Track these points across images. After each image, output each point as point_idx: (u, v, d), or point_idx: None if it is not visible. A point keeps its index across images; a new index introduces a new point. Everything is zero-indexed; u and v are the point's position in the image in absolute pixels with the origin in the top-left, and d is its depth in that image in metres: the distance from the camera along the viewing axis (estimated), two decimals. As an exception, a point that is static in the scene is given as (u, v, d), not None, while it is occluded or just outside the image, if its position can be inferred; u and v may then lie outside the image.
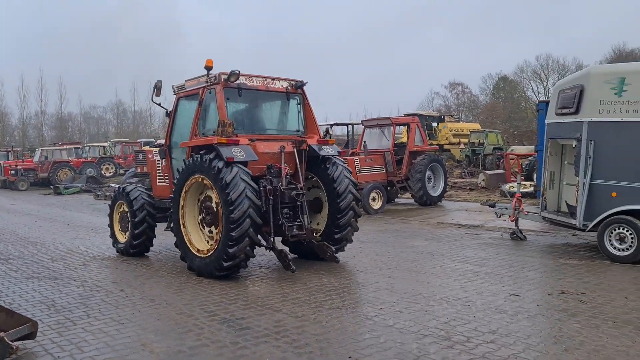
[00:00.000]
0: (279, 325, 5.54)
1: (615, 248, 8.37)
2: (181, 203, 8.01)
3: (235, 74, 7.83)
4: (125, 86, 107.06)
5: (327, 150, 8.56)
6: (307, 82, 8.79)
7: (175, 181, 8.24)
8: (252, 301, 6.46)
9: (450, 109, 66.17)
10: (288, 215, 8.06)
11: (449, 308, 6.06)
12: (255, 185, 7.42)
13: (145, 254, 9.66)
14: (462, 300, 6.36)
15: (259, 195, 7.50)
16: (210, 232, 7.82)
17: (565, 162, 10.12)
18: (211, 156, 7.46)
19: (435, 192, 16.89)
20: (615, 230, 8.34)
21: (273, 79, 8.51)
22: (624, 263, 8.17)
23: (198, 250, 7.76)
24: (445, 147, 33.51)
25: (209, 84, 8.05)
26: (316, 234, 8.48)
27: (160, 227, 9.49)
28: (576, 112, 8.88)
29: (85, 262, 9.16)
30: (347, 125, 25.70)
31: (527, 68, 63.06)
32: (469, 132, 34.57)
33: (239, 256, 7.30)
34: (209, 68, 7.97)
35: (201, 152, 7.76)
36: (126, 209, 9.52)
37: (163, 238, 10.42)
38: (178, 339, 5.20)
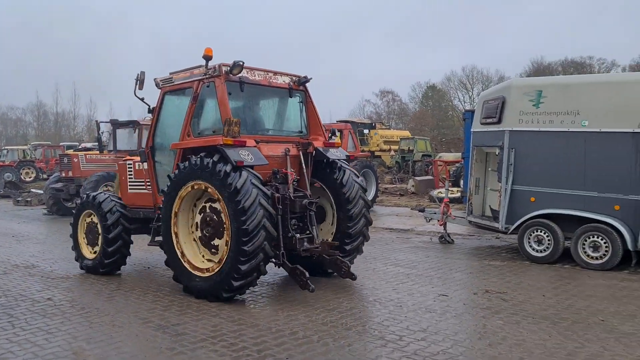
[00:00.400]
0: (216, 329, 5.54)
1: (533, 249, 8.93)
2: (173, 214, 6.97)
3: (238, 66, 6.92)
4: (46, 87, 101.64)
5: (336, 154, 7.75)
6: (311, 78, 7.95)
7: (164, 189, 7.16)
8: (187, 307, 6.40)
9: (381, 116, 67.70)
10: (296, 226, 7.19)
11: (382, 309, 6.28)
12: (267, 192, 6.55)
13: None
14: (394, 301, 6.60)
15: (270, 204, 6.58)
16: (213, 247, 6.85)
17: (489, 169, 10.68)
18: (215, 159, 6.52)
19: (367, 198, 17.22)
20: (533, 232, 8.91)
21: (275, 73, 7.68)
22: (541, 263, 8.73)
23: (195, 268, 6.79)
24: (377, 153, 34.33)
25: (207, 76, 7.09)
26: (330, 247, 7.40)
27: (144, 242, 8.41)
28: (499, 121, 9.43)
29: (6, 270, 8.70)
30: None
31: (454, 78, 65.79)
32: (399, 139, 35.56)
33: (251, 274, 6.40)
34: (208, 58, 6.97)
35: (201, 154, 6.72)
36: (95, 220, 8.34)
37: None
38: (112, 347, 5.09)
